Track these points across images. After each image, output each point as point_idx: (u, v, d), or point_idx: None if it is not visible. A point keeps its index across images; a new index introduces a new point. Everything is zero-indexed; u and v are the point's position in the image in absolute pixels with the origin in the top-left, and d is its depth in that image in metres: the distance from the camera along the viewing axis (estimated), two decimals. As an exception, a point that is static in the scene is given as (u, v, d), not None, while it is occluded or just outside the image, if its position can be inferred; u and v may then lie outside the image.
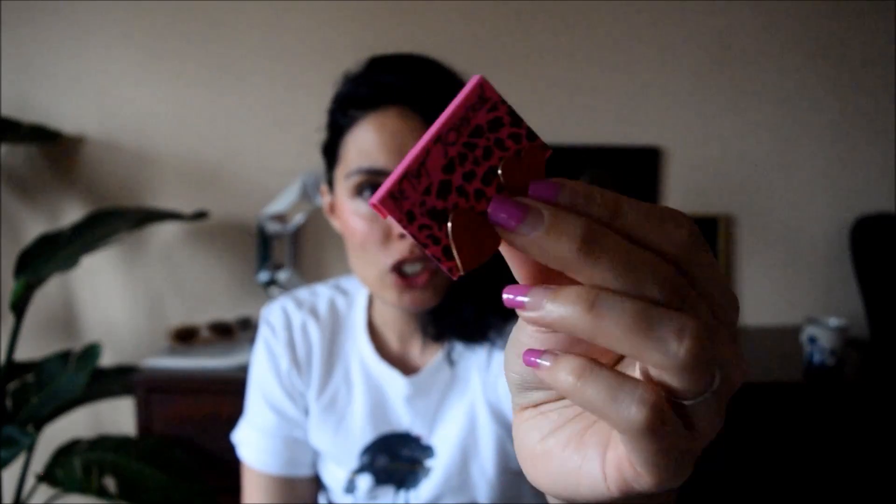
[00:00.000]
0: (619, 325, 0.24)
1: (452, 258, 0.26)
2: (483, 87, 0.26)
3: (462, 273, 0.27)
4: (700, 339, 0.24)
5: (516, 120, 0.27)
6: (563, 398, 0.30)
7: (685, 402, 0.25)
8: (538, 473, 0.30)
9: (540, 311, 0.25)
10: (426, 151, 0.26)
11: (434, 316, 0.75)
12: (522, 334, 0.29)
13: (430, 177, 0.26)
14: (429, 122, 0.66)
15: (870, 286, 1.60)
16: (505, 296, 0.26)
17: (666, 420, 0.25)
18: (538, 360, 0.27)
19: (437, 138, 0.26)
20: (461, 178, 0.26)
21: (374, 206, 0.26)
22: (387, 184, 0.26)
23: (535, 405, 0.31)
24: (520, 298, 0.26)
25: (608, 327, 0.24)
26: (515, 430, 0.32)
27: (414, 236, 0.26)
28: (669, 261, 0.26)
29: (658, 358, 0.24)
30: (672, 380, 0.25)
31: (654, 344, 0.24)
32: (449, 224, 0.26)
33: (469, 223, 0.26)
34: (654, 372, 0.25)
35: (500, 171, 0.26)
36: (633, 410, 0.24)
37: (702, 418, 0.26)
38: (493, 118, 0.27)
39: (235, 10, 1.58)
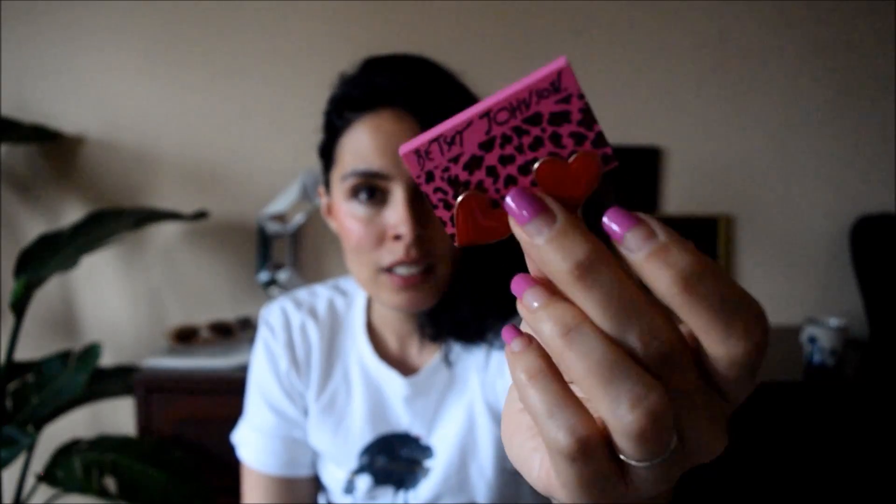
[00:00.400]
0: (581, 365, 0.23)
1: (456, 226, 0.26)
2: (562, 74, 0.23)
3: (458, 245, 0.27)
4: (654, 415, 0.23)
5: (588, 120, 0.24)
6: None
7: (623, 459, 0.25)
8: (507, 442, 0.30)
9: (528, 313, 0.25)
10: (468, 123, 0.25)
11: (431, 317, 0.75)
12: None
13: (462, 147, 0.25)
14: (423, 124, 0.66)
15: (870, 286, 1.60)
16: (512, 282, 0.26)
17: (591, 458, 0.24)
18: (510, 341, 0.27)
19: (486, 113, 0.24)
20: (497, 159, 0.25)
21: (402, 154, 0.25)
22: (418, 140, 0.25)
23: None
24: (519, 291, 0.26)
25: (572, 360, 0.24)
26: (508, 392, 0.32)
27: (427, 195, 0.26)
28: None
29: (605, 414, 0.24)
30: (615, 437, 0.24)
31: (604, 398, 0.23)
32: (459, 198, 0.26)
33: (481, 206, 0.26)
34: (603, 419, 0.24)
35: (535, 167, 0.25)
36: (561, 434, 0.24)
37: (641, 480, 0.25)
38: (560, 111, 0.24)
39: (235, 11, 1.58)
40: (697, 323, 0.23)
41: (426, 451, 0.76)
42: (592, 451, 0.24)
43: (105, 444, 1.30)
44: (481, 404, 0.75)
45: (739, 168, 1.68)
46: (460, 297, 0.73)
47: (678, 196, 1.68)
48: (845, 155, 1.68)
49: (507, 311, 0.74)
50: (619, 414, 0.23)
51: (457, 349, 0.76)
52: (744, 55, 1.65)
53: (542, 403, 0.25)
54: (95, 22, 1.58)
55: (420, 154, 0.25)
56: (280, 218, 1.51)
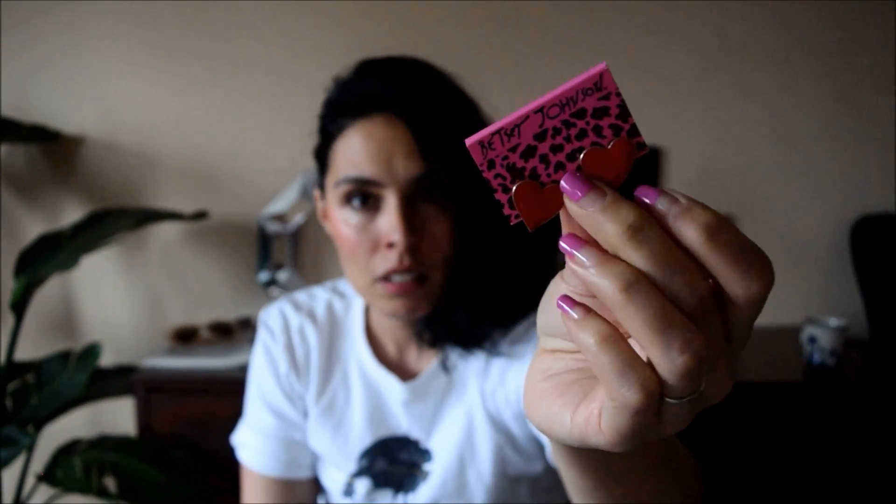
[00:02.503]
0: (639, 316, 0.26)
1: (513, 208, 0.30)
2: (603, 76, 0.28)
3: (512, 223, 0.31)
4: (700, 357, 0.27)
5: (624, 113, 0.29)
6: (578, 352, 0.33)
7: (665, 399, 0.28)
8: (531, 409, 0.34)
9: (584, 270, 0.28)
10: (525, 117, 0.28)
11: (428, 323, 0.74)
12: (563, 283, 0.31)
13: (520, 138, 0.29)
14: (415, 130, 0.66)
15: (870, 286, 1.60)
16: (561, 243, 0.29)
17: (651, 408, 0.28)
18: (570, 310, 0.29)
19: (540, 109, 0.28)
20: (548, 148, 0.29)
21: (468, 145, 0.29)
22: (482, 133, 0.29)
23: (553, 351, 0.35)
24: (573, 251, 0.28)
25: (631, 312, 0.26)
26: (529, 367, 0.35)
27: (488, 180, 0.30)
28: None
29: (659, 358, 0.27)
30: (664, 377, 0.27)
31: (660, 344, 0.26)
32: (514, 186, 0.29)
33: (533, 191, 0.30)
34: (654, 363, 0.27)
35: (581, 155, 0.29)
36: (633, 391, 0.27)
37: (672, 416, 0.29)
38: (602, 106, 0.28)
39: (236, 10, 1.58)
40: (721, 267, 0.27)
41: (425, 455, 0.76)
42: (654, 401, 0.27)
43: (105, 444, 1.30)
44: (481, 411, 0.75)
45: (739, 168, 1.68)
46: (456, 303, 0.73)
47: (678, 196, 1.67)
48: (845, 155, 1.68)
49: (503, 319, 0.74)
50: (672, 357, 0.26)
51: (454, 355, 0.76)
52: (744, 56, 1.64)
53: (614, 364, 0.27)
54: (96, 22, 1.57)
55: (484, 145, 0.29)
56: (280, 218, 1.51)
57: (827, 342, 1.35)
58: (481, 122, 0.72)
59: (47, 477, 1.25)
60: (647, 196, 0.28)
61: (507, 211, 0.30)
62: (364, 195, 0.68)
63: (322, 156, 0.73)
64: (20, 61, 1.58)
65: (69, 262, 1.31)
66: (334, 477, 0.79)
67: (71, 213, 1.60)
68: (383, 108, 0.67)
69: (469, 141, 0.29)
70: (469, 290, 0.72)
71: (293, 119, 1.59)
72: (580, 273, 0.28)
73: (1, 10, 1.55)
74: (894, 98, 1.65)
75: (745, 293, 0.27)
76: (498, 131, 0.29)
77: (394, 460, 0.77)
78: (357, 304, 0.82)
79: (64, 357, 1.37)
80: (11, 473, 1.49)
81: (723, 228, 0.27)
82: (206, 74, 1.60)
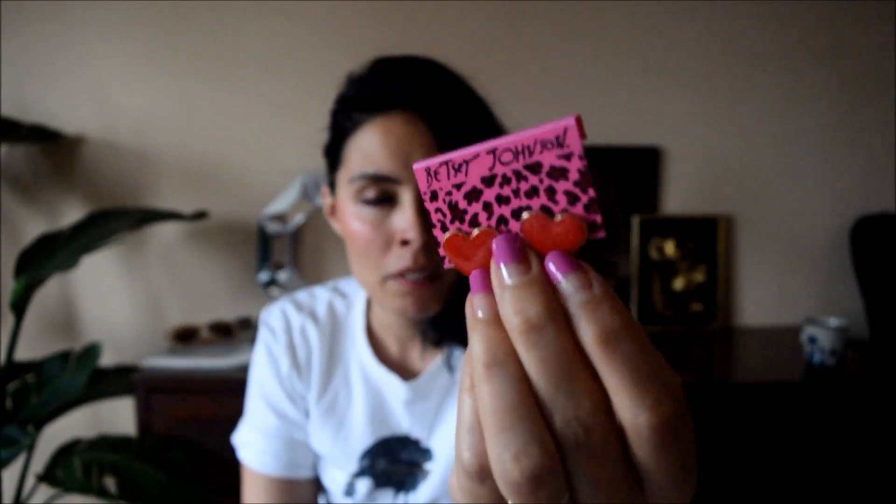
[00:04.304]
0: (489, 400, 0.24)
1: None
2: (567, 132, 0.25)
3: (445, 267, 0.29)
4: (534, 474, 0.23)
5: (584, 183, 0.25)
6: None
7: None
8: None
9: (471, 317, 0.26)
10: (475, 155, 0.26)
11: (434, 322, 0.74)
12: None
13: (466, 177, 0.27)
14: (434, 127, 0.65)
15: (870, 286, 1.60)
16: (473, 275, 0.27)
17: (482, 483, 0.26)
18: (476, 297, 0.27)
19: (492, 150, 0.26)
20: (494, 196, 0.27)
21: (415, 170, 0.28)
22: (430, 160, 0.27)
23: None
24: (474, 292, 0.27)
25: (484, 391, 0.24)
26: None
27: (428, 211, 0.28)
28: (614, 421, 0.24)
29: (491, 454, 0.24)
30: (497, 482, 0.24)
31: (496, 442, 0.24)
32: (446, 234, 0.28)
33: (464, 243, 0.27)
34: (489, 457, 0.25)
35: (523, 216, 0.26)
36: (466, 453, 0.26)
37: None
38: (560, 166, 0.25)
39: (236, 10, 1.58)
40: (610, 382, 0.24)
41: (426, 454, 0.76)
42: (485, 478, 0.25)
43: (105, 444, 1.31)
44: None
45: (739, 168, 1.68)
46: (463, 302, 0.72)
47: (678, 196, 1.68)
48: (845, 155, 1.68)
49: None
50: (503, 460, 0.23)
51: (458, 354, 0.76)
52: (744, 55, 1.65)
53: (465, 416, 0.26)
54: (96, 22, 1.57)
55: (430, 173, 0.27)
56: (280, 218, 1.51)
57: (827, 342, 1.35)
58: (496, 123, 0.72)
59: (47, 477, 1.25)
60: (557, 268, 0.25)
61: (440, 252, 0.28)
62: (380, 192, 0.67)
63: (333, 152, 0.72)
64: (20, 61, 1.58)
65: (69, 262, 1.31)
66: (335, 477, 0.79)
67: (71, 213, 1.60)
68: (402, 104, 0.66)
69: (416, 165, 0.27)
70: None
71: (293, 119, 1.60)
72: (468, 318, 0.26)
73: (0, 11, 1.55)
74: (894, 98, 1.65)
75: (630, 421, 0.24)
76: (446, 162, 0.27)
77: (395, 460, 0.77)
78: (358, 304, 0.82)
79: (64, 357, 1.37)
80: (11, 473, 1.49)
81: (624, 338, 0.24)
82: (207, 74, 1.60)
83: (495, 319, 0.25)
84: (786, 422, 1.30)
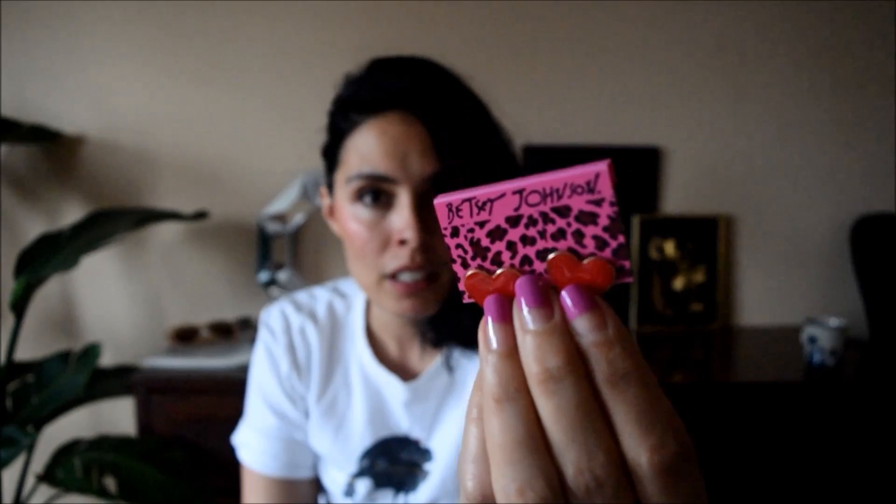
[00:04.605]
0: (497, 432, 0.24)
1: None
2: (599, 177, 0.24)
3: (465, 301, 0.28)
4: None
5: (614, 229, 0.25)
6: None
7: None
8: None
9: (484, 348, 0.26)
10: (500, 194, 0.26)
11: (433, 322, 0.74)
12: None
13: (490, 214, 0.26)
14: (431, 128, 0.65)
15: (870, 286, 1.60)
16: (489, 301, 0.27)
17: None
18: (491, 326, 0.26)
19: (519, 191, 0.25)
20: (519, 237, 0.26)
21: (436, 205, 0.27)
22: (454, 195, 0.26)
23: None
24: (489, 321, 0.26)
25: (493, 424, 0.25)
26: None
27: (449, 247, 0.27)
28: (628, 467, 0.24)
29: (496, 487, 0.24)
30: None
31: (502, 473, 0.24)
32: (468, 272, 0.27)
33: (485, 281, 0.27)
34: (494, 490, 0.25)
35: (549, 258, 0.26)
36: (469, 483, 0.26)
37: None
38: (590, 211, 0.25)
39: (235, 10, 1.58)
40: (616, 419, 0.24)
41: (426, 455, 0.76)
42: None
43: (105, 444, 1.30)
44: None
45: (739, 168, 1.68)
46: (462, 303, 0.72)
47: (678, 196, 1.68)
48: (845, 155, 1.68)
49: None
50: (507, 492, 0.24)
51: (457, 354, 0.76)
52: (744, 55, 1.65)
53: (471, 446, 0.26)
54: (95, 22, 1.57)
55: (451, 209, 0.26)
56: (280, 218, 1.51)
57: (827, 342, 1.35)
58: (493, 124, 0.72)
59: (47, 477, 1.25)
60: (573, 304, 0.25)
61: (460, 286, 0.28)
62: (377, 192, 0.67)
63: (331, 152, 0.72)
64: (20, 61, 1.58)
65: (69, 262, 1.31)
66: (335, 477, 0.79)
67: (71, 213, 1.60)
68: (399, 105, 0.66)
69: (438, 200, 0.27)
70: None
71: (293, 119, 1.60)
72: (480, 345, 0.26)
73: (1, 11, 1.55)
74: (894, 98, 1.65)
75: (634, 461, 0.24)
76: (469, 199, 0.26)
77: (395, 460, 0.77)
78: (358, 304, 0.82)
79: (64, 357, 1.37)
80: (11, 473, 1.49)
81: (632, 381, 0.24)
82: (207, 74, 1.60)
83: (510, 353, 0.25)
84: (786, 422, 1.30)
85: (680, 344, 1.58)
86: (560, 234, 0.25)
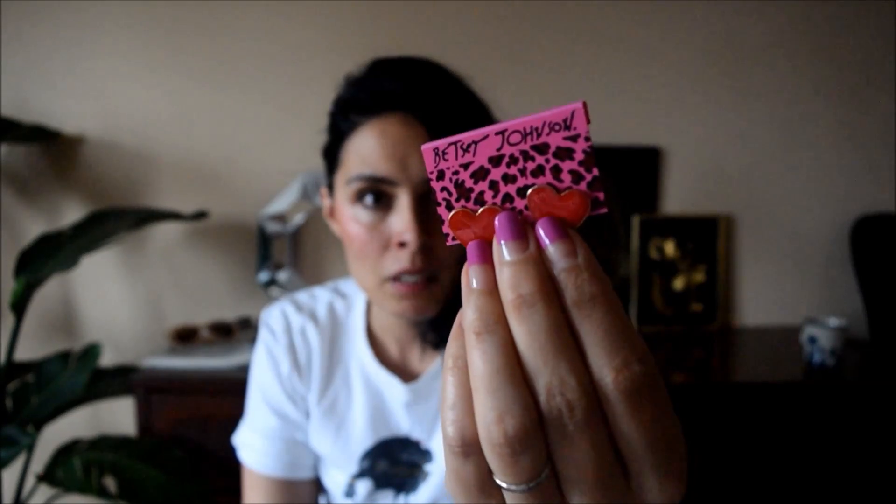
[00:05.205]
0: (476, 364, 0.25)
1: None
2: (574, 114, 0.26)
3: (449, 243, 0.30)
4: (515, 435, 0.24)
5: (589, 161, 0.26)
6: None
7: (494, 478, 0.26)
8: None
9: (466, 287, 0.27)
10: (484, 136, 0.27)
11: (434, 323, 0.74)
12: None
13: (474, 156, 0.28)
14: (431, 129, 0.65)
15: (870, 286, 1.60)
16: (469, 245, 0.28)
17: (468, 460, 0.26)
18: (472, 267, 0.27)
19: (501, 132, 0.27)
20: (500, 175, 0.28)
21: (423, 149, 0.29)
22: (439, 140, 0.28)
23: None
24: (470, 262, 0.27)
25: (474, 356, 0.26)
26: None
27: (434, 190, 0.29)
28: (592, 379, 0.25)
29: (478, 417, 0.25)
30: (483, 447, 0.26)
31: (482, 403, 0.25)
32: (452, 211, 0.29)
33: (469, 218, 0.29)
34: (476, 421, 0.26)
35: (528, 193, 0.27)
36: (449, 428, 0.26)
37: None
38: (567, 147, 0.26)
39: (236, 10, 1.58)
40: (585, 342, 0.25)
41: (426, 455, 0.76)
42: (469, 453, 0.26)
43: (105, 444, 1.30)
44: None
45: (739, 168, 1.68)
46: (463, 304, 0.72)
47: (678, 196, 1.68)
48: (845, 155, 1.68)
49: None
50: (487, 420, 0.25)
51: None
52: (744, 55, 1.65)
53: (448, 394, 0.27)
54: (96, 22, 1.57)
55: (438, 153, 0.28)
56: (280, 218, 1.51)
57: (827, 342, 1.35)
58: (493, 124, 0.72)
59: (47, 477, 1.25)
60: (546, 234, 0.26)
61: (444, 229, 0.29)
62: (377, 193, 0.67)
63: (332, 154, 0.72)
64: (20, 61, 1.58)
65: (69, 262, 1.31)
66: (336, 478, 0.79)
67: (71, 213, 1.60)
68: (399, 106, 0.66)
69: (425, 146, 0.28)
70: None
71: (293, 119, 1.60)
72: (462, 285, 0.27)
73: (1, 10, 1.55)
74: (894, 98, 1.65)
75: (600, 382, 0.25)
76: (455, 143, 0.28)
77: (395, 461, 0.77)
78: (358, 305, 0.82)
79: (64, 357, 1.37)
80: (11, 473, 1.49)
81: (599, 306, 0.25)
82: (207, 74, 1.60)
83: (489, 290, 0.26)
84: (786, 422, 1.30)
85: (680, 344, 1.58)
86: (539, 171, 0.27)
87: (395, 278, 0.68)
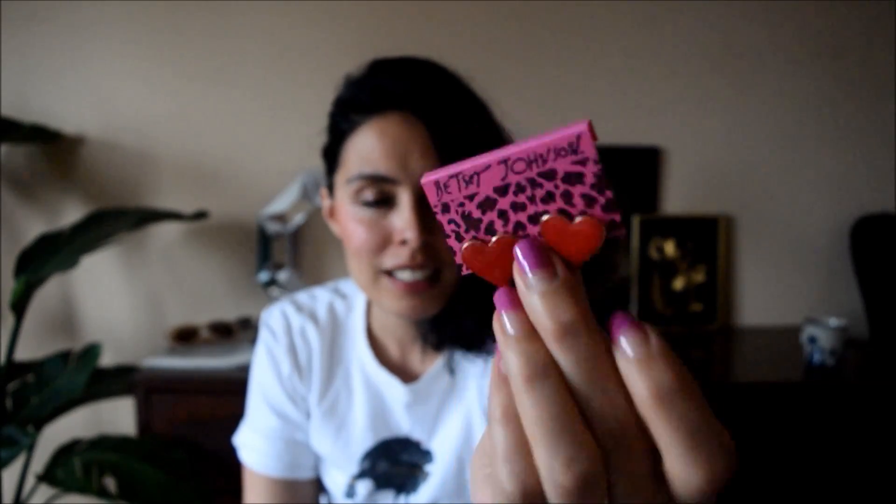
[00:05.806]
0: (534, 412, 0.24)
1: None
2: (580, 138, 0.24)
3: (464, 274, 0.28)
4: (585, 478, 0.24)
5: (601, 185, 0.25)
6: None
7: None
8: (474, 493, 0.30)
9: (502, 336, 0.26)
10: (486, 166, 0.26)
11: (434, 324, 0.74)
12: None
13: (479, 187, 0.26)
14: (431, 128, 0.65)
15: (870, 286, 1.60)
16: (496, 296, 0.27)
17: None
18: (505, 314, 0.26)
19: (504, 161, 0.26)
20: (509, 204, 0.26)
21: (423, 183, 0.27)
22: (440, 172, 0.27)
23: None
24: (501, 310, 0.26)
25: (527, 405, 0.25)
26: (476, 448, 0.33)
27: (441, 224, 0.28)
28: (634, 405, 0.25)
29: (541, 463, 0.25)
30: (546, 490, 0.25)
31: (546, 451, 0.24)
32: (464, 245, 0.27)
33: (481, 252, 0.27)
34: (538, 467, 0.25)
35: (543, 219, 0.26)
36: (508, 481, 0.25)
37: None
38: (575, 172, 0.25)
39: (236, 10, 1.58)
40: (662, 438, 0.24)
41: (426, 456, 0.76)
42: (526, 501, 0.25)
43: (105, 444, 1.30)
44: (478, 411, 0.75)
45: (739, 168, 1.68)
46: (465, 305, 0.72)
47: (678, 196, 1.68)
48: (845, 155, 1.68)
49: None
50: (553, 468, 0.24)
51: (458, 357, 0.76)
52: (744, 55, 1.65)
53: (502, 446, 0.26)
54: (95, 22, 1.57)
55: (439, 186, 0.27)
56: (280, 218, 1.51)
57: (827, 342, 1.35)
58: (494, 124, 0.72)
59: (47, 477, 1.25)
60: (617, 325, 0.25)
61: (458, 260, 0.28)
62: (377, 192, 0.67)
63: (332, 153, 0.72)
64: (20, 61, 1.58)
65: (69, 262, 1.31)
66: (336, 478, 0.79)
67: (71, 213, 1.60)
68: (399, 105, 0.66)
69: (424, 179, 0.27)
70: (479, 293, 0.71)
71: (293, 119, 1.60)
72: (499, 338, 0.26)
73: (1, 10, 1.55)
74: (894, 98, 1.65)
75: (684, 480, 0.24)
76: (456, 175, 0.26)
77: (396, 461, 0.77)
78: (359, 306, 0.82)
79: (64, 357, 1.37)
80: (11, 473, 1.49)
81: (679, 400, 0.24)
82: (206, 74, 1.60)
83: (528, 334, 0.25)
84: (786, 422, 1.30)
85: (680, 344, 1.58)
86: (549, 197, 0.26)
87: (392, 273, 0.68)
